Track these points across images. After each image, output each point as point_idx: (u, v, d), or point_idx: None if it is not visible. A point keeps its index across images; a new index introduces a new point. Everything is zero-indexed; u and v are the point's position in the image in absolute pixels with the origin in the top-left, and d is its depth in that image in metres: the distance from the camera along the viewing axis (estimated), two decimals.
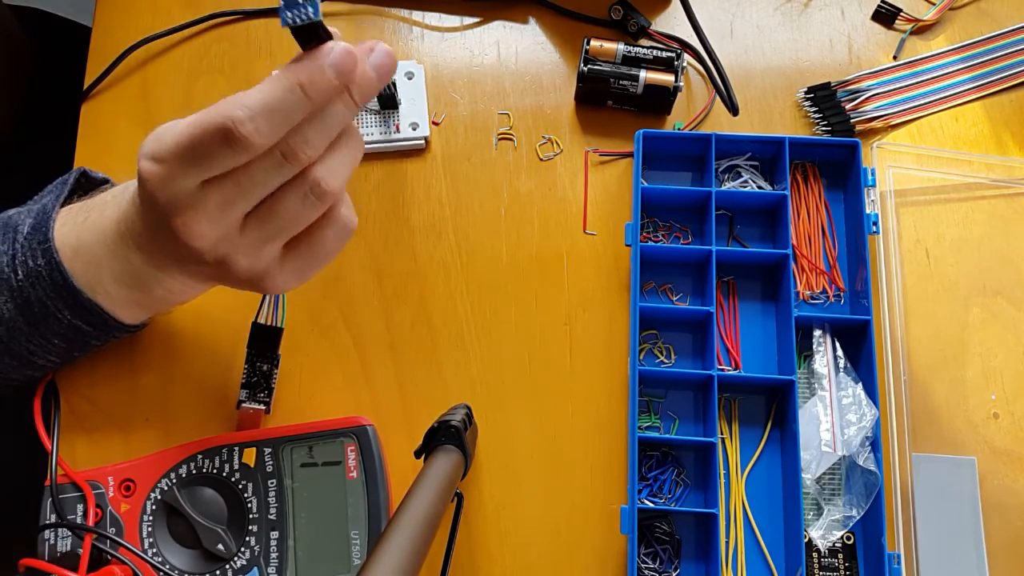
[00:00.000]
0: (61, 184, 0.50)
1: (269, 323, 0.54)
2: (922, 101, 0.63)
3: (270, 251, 0.43)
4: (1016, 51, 0.64)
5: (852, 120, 0.62)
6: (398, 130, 0.61)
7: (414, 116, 0.61)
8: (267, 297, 0.53)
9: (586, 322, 0.58)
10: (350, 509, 0.52)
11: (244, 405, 0.54)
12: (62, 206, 0.49)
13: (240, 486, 0.52)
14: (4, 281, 0.47)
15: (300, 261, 0.45)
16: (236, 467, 0.52)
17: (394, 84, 0.60)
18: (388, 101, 0.60)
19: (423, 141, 0.61)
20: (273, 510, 0.52)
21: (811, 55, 0.65)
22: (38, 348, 0.50)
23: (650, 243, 0.59)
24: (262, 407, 0.54)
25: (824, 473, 0.54)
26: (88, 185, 0.52)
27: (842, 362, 0.56)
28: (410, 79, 0.62)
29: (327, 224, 0.44)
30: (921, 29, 0.65)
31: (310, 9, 0.38)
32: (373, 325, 0.58)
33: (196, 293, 0.50)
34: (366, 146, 0.60)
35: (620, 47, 0.61)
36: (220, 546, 0.51)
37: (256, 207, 0.42)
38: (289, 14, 0.39)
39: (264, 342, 0.54)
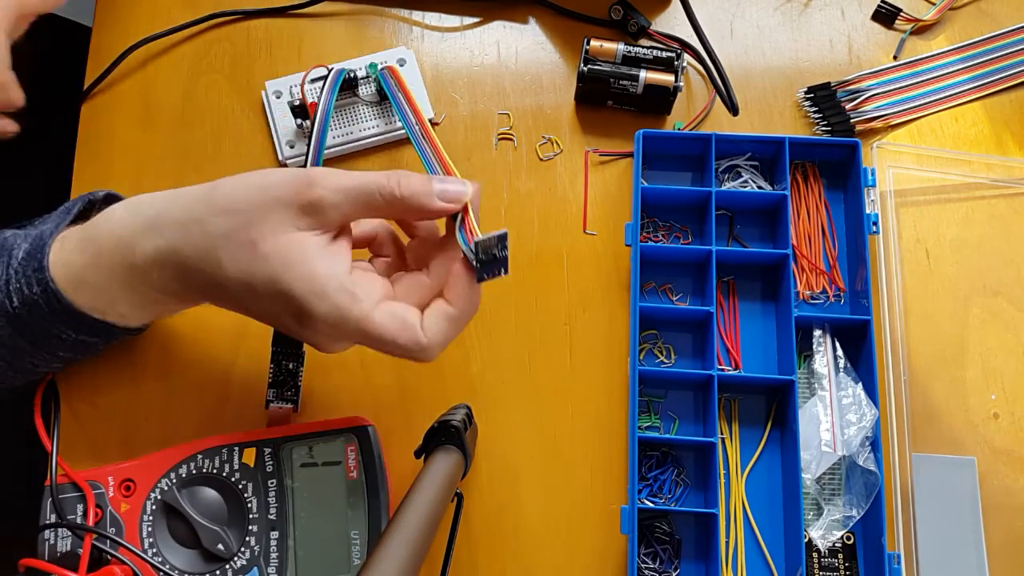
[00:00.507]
0: (64, 212, 0.50)
1: None
2: (922, 101, 0.63)
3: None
4: (1016, 51, 0.64)
5: (852, 120, 0.62)
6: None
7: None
8: None
9: (586, 322, 0.58)
10: (350, 509, 0.52)
11: (273, 405, 0.54)
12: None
13: (240, 486, 0.52)
14: None
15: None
16: (236, 467, 0.52)
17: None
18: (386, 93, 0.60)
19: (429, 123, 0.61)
20: (273, 510, 0.52)
21: (811, 55, 0.65)
22: (43, 362, 0.50)
23: (650, 243, 0.59)
24: (290, 405, 0.54)
25: (824, 473, 0.54)
26: (90, 209, 0.51)
27: (842, 362, 0.56)
28: (402, 65, 0.62)
29: None
30: (921, 29, 0.65)
31: (503, 272, 0.46)
32: None
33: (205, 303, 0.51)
34: (369, 141, 0.61)
35: (620, 47, 0.61)
36: (220, 546, 0.51)
37: None
38: (487, 276, 0.46)
39: (289, 340, 0.54)
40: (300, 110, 0.59)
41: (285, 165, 0.61)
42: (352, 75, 0.60)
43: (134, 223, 0.46)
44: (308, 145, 0.54)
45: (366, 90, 0.61)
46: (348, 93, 0.61)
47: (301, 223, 0.43)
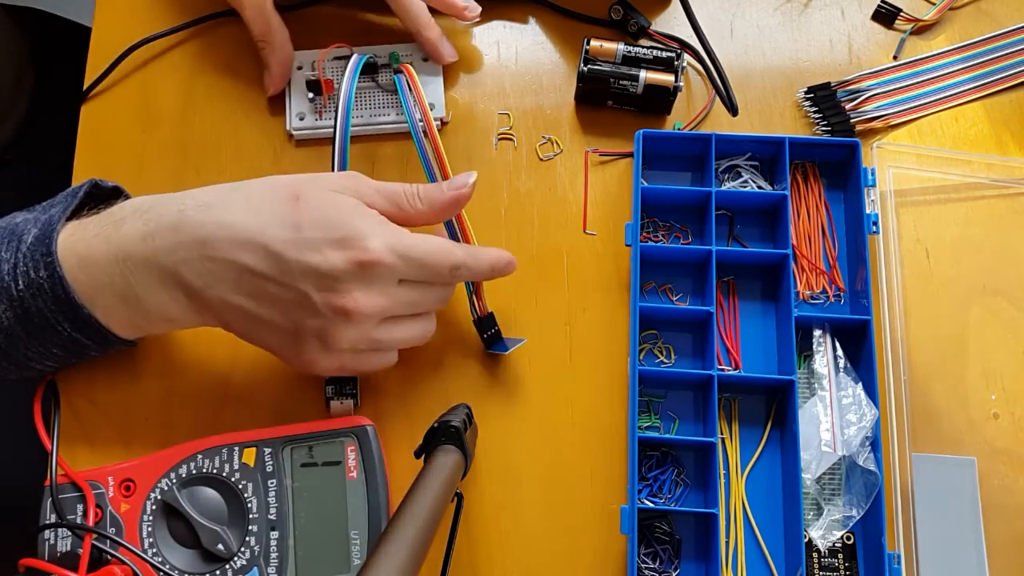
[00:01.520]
0: (71, 196, 0.50)
1: None
2: (922, 101, 0.63)
3: (355, 353, 0.49)
4: (1016, 51, 0.64)
5: (852, 120, 0.62)
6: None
7: (430, 97, 0.61)
8: None
9: (586, 322, 0.58)
10: (350, 509, 0.52)
11: (333, 402, 0.54)
12: (71, 218, 0.49)
13: (240, 486, 0.52)
14: (4, 290, 0.47)
15: (344, 366, 0.50)
16: (236, 467, 0.52)
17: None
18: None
19: (439, 122, 0.62)
20: (273, 510, 0.52)
21: (811, 55, 0.65)
22: (36, 355, 0.50)
23: (650, 243, 0.59)
24: (351, 401, 0.54)
25: (824, 473, 0.54)
26: (98, 195, 0.52)
27: (842, 362, 0.56)
28: (426, 60, 0.62)
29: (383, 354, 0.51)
30: (921, 29, 0.65)
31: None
32: None
33: (194, 326, 0.50)
34: (383, 127, 0.62)
35: (620, 47, 0.61)
36: (220, 546, 0.51)
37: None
38: (496, 352, 0.57)
39: None
40: (315, 85, 0.60)
41: (291, 136, 0.62)
42: (372, 61, 0.60)
43: (163, 197, 0.49)
44: (333, 137, 0.54)
45: (385, 78, 0.61)
46: (367, 78, 0.61)
47: (340, 190, 0.48)
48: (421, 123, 0.54)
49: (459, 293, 0.58)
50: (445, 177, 0.53)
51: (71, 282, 0.47)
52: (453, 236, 0.54)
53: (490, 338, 0.56)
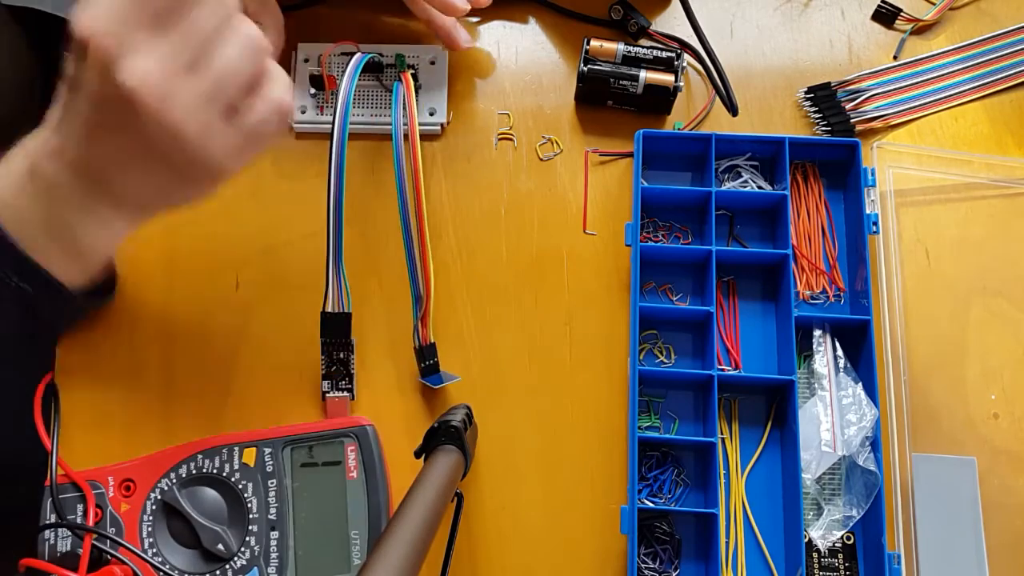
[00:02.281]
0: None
1: (337, 310, 0.54)
2: (922, 101, 0.63)
3: (205, 106, 0.42)
4: (1016, 51, 0.64)
5: (852, 120, 0.62)
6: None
7: (432, 101, 0.61)
8: (331, 285, 0.54)
9: (586, 322, 0.58)
10: (350, 509, 0.52)
11: (329, 396, 0.55)
12: None
13: (240, 486, 0.52)
14: None
15: (235, 133, 0.43)
16: (236, 467, 0.52)
17: (416, 68, 0.61)
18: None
19: (439, 127, 0.62)
20: (273, 510, 0.52)
21: (811, 55, 0.65)
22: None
23: (650, 243, 0.59)
24: (346, 395, 0.55)
25: (824, 473, 0.54)
26: None
27: (842, 362, 0.56)
28: (432, 64, 0.62)
29: (259, 97, 0.44)
30: (921, 29, 0.65)
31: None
32: (373, 325, 0.58)
33: (126, 227, 0.47)
34: (386, 127, 0.61)
35: (620, 47, 0.61)
36: (220, 546, 0.51)
37: (196, 59, 0.41)
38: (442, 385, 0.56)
39: (335, 330, 0.54)
40: (317, 80, 0.60)
41: (291, 128, 0.62)
42: (378, 60, 0.60)
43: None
44: (332, 133, 0.54)
45: (389, 79, 0.61)
46: (372, 77, 0.62)
47: None
48: (405, 126, 0.54)
49: (453, 296, 0.59)
50: (417, 189, 0.54)
51: (2, 222, 0.45)
52: (409, 240, 0.54)
53: (426, 368, 0.56)
